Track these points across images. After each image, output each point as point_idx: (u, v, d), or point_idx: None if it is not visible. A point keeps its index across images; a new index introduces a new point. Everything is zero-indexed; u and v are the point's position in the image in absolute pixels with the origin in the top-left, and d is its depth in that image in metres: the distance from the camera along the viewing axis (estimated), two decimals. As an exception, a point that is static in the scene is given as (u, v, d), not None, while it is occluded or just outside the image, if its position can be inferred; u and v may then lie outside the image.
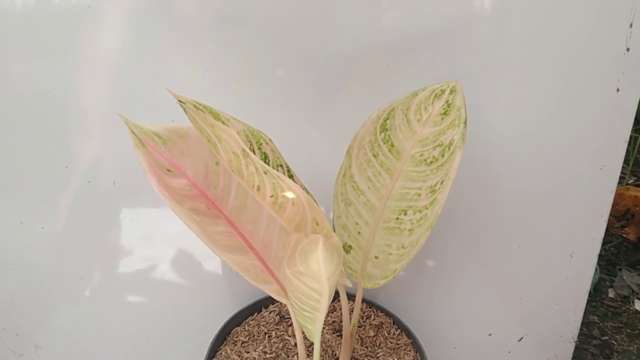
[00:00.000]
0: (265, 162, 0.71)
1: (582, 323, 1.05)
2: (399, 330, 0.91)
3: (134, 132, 0.65)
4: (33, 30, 0.80)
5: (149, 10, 0.80)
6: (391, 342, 0.89)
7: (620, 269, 1.45)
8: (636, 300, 1.37)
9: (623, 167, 0.92)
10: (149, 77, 0.84)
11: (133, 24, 0.81)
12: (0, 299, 0.96)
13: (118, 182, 0.89)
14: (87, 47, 0.82)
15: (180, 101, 0.61)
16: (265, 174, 0.60)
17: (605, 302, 1.37)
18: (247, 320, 0.92)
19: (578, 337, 1.06)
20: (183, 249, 0.96)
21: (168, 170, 0.67)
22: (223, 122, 0.67)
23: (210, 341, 0.86)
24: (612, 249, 1.52)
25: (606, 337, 1.27)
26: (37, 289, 0.96)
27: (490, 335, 1.05)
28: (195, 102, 0.64)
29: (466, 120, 0.69)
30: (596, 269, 1.36)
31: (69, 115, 0.85)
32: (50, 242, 0.92)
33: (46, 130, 0.85)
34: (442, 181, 0.69)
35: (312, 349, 0.72)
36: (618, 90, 0.84)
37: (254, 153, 0.70)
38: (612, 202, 0.93)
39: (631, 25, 0.79)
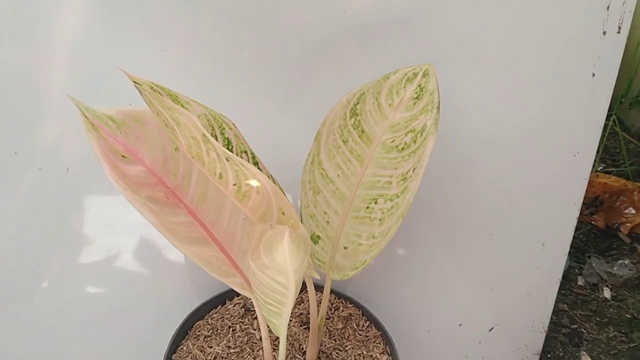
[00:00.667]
0: (228, 148, 0.67)
1: (552, 311, 1.04)
2: (368, 322, 0.88)
3: (85, 116, 0.60)
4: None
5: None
6: (360, 335, 0.86)
7: (589, 257, 1.46)
8: (605, 288, 1.38)
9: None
10: (104, 58, 0.79)
11: (88, 1, 0.76)
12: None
13: (71, 168, 0.84)
14: (40, 27, 0.76)
15: (135, 82, 0.56)
16: (228, 160, 0.56)
17: (574, 290, 1.36)
18: (210, 314, 0.88)
19: (548, 326, 1.06)
20: (143, 239, 0.92)
21: (123, 156, 0.62)
22: (182, 105, 0.62)
23: (171, 336, 0.82)
24: (581, 236, 1.52)
25: (575, 326, 1.27)
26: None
27: (460, 325, 1.04)
28: (152, 83, 0.59)
29: (439, 105, 0.66)
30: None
31: (18, 98, 0.79)
32: (0, 232, 0.87)
33: (-6, 113, 0.80)
34: (414, 168, 0.66)
35: (279, 343, 0.69)
36: (594, 75, 0.82)
37: (216, 138, 0.66)
38: (585, 190, 0.91)
39: (608, 8, 0.77)
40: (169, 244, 0.90)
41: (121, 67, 0.58)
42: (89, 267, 0.93)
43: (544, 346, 1.09)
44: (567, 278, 1.39)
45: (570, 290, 1.36)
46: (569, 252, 1.17)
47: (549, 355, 1.19)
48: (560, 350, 1.21)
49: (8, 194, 0.85)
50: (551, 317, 1.05)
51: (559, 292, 1.15)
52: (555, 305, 1.03)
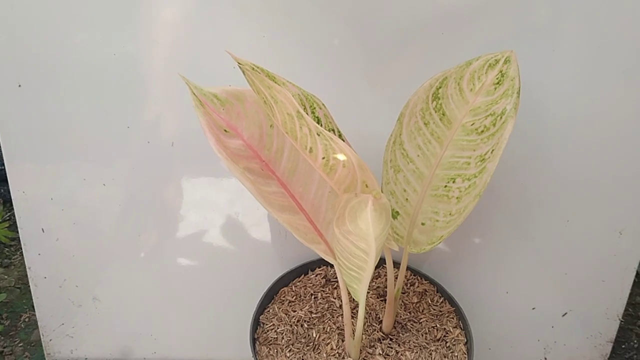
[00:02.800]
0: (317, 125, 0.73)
1: (629, 304, 1.04)
2: (442, 298, 0.92)
3: (194, 93, 0.68)
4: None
5: (210, -23, 0.83)
6: (434, 309, 0.90)
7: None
8: (687, 284, 1.35)
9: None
10: (208, 42, 0.86)
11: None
12: (62, 252, 1.01)
13: (176, 143, 0.92)
14: (150, 13, 0.85)
15: (239, 63, 0.63)
16: (318, 135, 0.62)
17: (653, 284, 1.35)
18: (294, 282, 0.95)
19: (623, 318, 1.06)
20: (233, 215, 0.99)
21: (225, 130, 0.70)
22: (279, 85, 0.69)
23: (259, 299, 0.89)
24: (665, 231, 1.49)
25: (653, 319, 1.26)
26: (96, 244, 1.01)
27: (534, 309, 1.06)
28: (254, 65, 0.66)
29: (519, 90, 0.69)
30: (646, 251, 1.34)
31: (132, 77, 0.88)
32: (110, 200, 0.97)
33: (110, 91, 0.89)
34: (493, 150, 0.70)
35: (357, 310, 0.75)
36: (678, 64, 0.82)
37: (308, 116, 0.72)
38: (665, 180, 0.91)
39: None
40: (256, 222, 0.99)
41: (225, 50, 0.65)
42: (183, 240, 1.02)
43: (618, 337, 1.09)
44: (647, 272, 1.37)
45: (649, 284, 1.34)
46: (651, 245, 1.15)
47: (623, 346, 1.19)
48: (636, 342, 1.20)
49: (120, 164, 0.94)
50: (628, 310, 1.05)
51: (637, 285, 1.14)
52: (632, 298, 1.03)
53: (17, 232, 1.00)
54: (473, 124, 0.73)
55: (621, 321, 1.06)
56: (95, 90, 0.89)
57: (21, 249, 1.01)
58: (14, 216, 1.07)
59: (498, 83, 0.71)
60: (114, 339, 1.09)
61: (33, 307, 1.06)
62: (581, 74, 0.85)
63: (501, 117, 0.70)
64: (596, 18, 0.82)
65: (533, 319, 1.07)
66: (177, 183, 0.97)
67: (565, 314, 1.06)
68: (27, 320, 1.27)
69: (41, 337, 1.08)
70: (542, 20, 0.83)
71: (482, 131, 0.72)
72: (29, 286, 1.04)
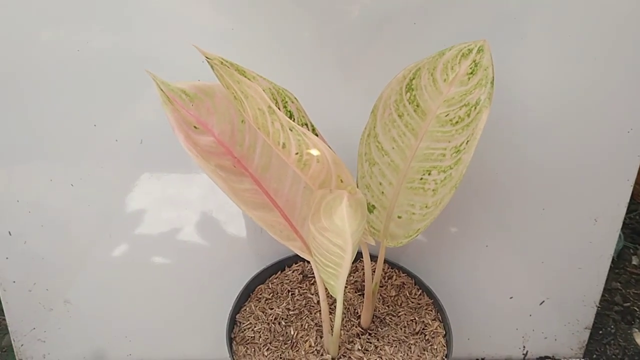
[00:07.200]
0: (290, 120, 0.71)
1: (605, 289, 1.05)
2: (420, 291, 0.92)
3: (161, 89, 0.66)
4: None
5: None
6: (413, 302, 0.90)
7: (644, 237, 1.44)
8: (660, 268, 1.37)
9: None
10: (176, 36, 0.84)
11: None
12: (30, 255, 0.99)
13: (145, 141, 0.90)
14: (115, 7, 0.82)
15: (207, 57, 0.61)
16: (291, 130, 0.60)
17: (628, 269, 1.36)
18: (270, 279, 0.94)
19: (600, 303, 1.07)
20: (207, 212, 0.97)
21: (195, 127, 0.68)
22: (249, 79, 0.67)
23: (235, 297, 0.88)
24: (637, 217, 1.51)
25: (628, 304, 1.27)
26: (66, 246, 0.99)
27: (511, 298, 1.06)
28: (222, 58, 0.64)
29: (493, 79, 0.68)
30: (620, 236, 1.35)
31: (98, 74, 0.86)
32: (79, 200, 0.94)
33: (75, 89, 0.86)
34: (468, 141, 0.69)
35: (335, 306, 0.73)
36: (649, 51, 0.83)
37: (280, 111, 0.71)
38: (638, 166, 0.92)
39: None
40: (231, 218, 0.98)
41: (192, 44, 0.63)
42: (156, 239, 1.00)
43: (595, 322, 1.10)
44: (622, 257, 1.38)
45: (624, 270, 1.35)
46: (624, 233, 1.17)
47: (600, 332, 1.20)
48: (612, 327, 1.21)
49: (88, 163, 0.92)
50: (604, 295, 1.06)
51: (612, 271, 1.15)
52: (608, 283, 1.04)
53: (-17, 236, 0.97)
54: (447, 114, 0.72)
55: (598, 307, 1.07)
56: (60, 88, 0.86)
57: (-12, 253, 0.98)
58: (-21, 219, 1.03)
59: (472, 73, 0.71)
60: (87, 342, 1.07)
61: (3, 311, 1.03)
62: (553, 61, 0.85)
63: (475, 108, 0.69)
64: (566, 5, 0.81)
65: (511, 308, 1.07)
66: (148, 181, 0.94)
67: (543, 302, 1.06)
68: (-3, 325, 1.24)
69: (12, 342, 1.05)
70: (512, 9, 0.82)
71: (457, 122, 0.71)
72: (-2, 291, 1.01)
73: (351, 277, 0.94)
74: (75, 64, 0.84)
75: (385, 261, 0.95)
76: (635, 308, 1.26)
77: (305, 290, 0.91)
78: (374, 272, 0.84)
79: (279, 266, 0.95)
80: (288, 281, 0.93)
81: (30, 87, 0.86)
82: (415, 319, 0.87)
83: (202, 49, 0.61)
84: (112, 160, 0.92)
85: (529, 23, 0.83)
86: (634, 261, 1.38)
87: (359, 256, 0.96)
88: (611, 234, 0.98)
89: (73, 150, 0.90)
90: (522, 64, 0.85)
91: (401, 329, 0.85)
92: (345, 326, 0.85)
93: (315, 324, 0.85)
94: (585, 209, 0.97)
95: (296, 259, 0.96)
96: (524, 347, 1.11)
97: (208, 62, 0.61)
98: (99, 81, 0.86)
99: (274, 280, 0.93)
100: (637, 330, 1.21)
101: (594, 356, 1.15)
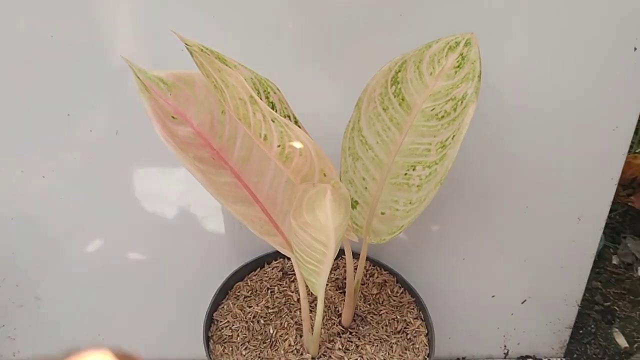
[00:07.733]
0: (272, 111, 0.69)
1: (585, 289, 1.05)
2: (402, 289, 0.90)
3: (138, 77, 0.63)
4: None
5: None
6: (394, 300, 0.88)
7: (624, 237, 1.45)
8: (639, 268, 1.37)
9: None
10: (154, 23, 0.81)
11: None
12: (0, 250, 0.95)
13: (121, 132, 0.87)
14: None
15: (186, 44, 0.59)
16: (273, 122, 0.58)
17: (608, 268, 1.36)
18: (249, 276, 0.91)
19: (581, 303, 1.06)
20: (184, 206, 0.95)
21: (173, 117, 0.65)
22: (230, 68, 0.64)
23: (213, 295, 0.85)
24: (617, 217, 1.51)
25: (609, 303, 1.27)
26: (37, 239, 0.96)
27: (493, 296, 1.05)
28: (202, 46, 0.61)
29: (480, 74, 0.67)
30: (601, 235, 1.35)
31: (72, 61, 0.82)
32: (51, 193, 0.91)
33: (47, 77, 0.83)
34: (454, 136, 0.67)
35: (315, 304, 0.71)
36: (635, 49, 0.82)
37: (262, 101, 0.68)
38: (622, 165, 0.91)
39: (654, -20, 0.77)
40: (210, 214, 0.95)
41: (170, 30, 0.61)
42: (131, 234, 0.97)
43: (576, 322, 1.09)
44: (602, 257, 1.38)
45: (604, 269, 1.36)
46: (605, 232, 1.16)
47: (581, 331, 1.19)
48: (593, 326, 1.21)
49: (60, 155, 0.88)
50: (584, 294, 1.06)
51: (593, 270, 1.15)
52: (589, 283, 1.04)
53: (-50, 229, 0.93)
54: (433, 109, 0.71)
55: (579, 306, 1.06)
56: (31, 75, 0.82)
57: (-45, 247, 0.94)
58: (-53, 212, 0.99)
59: (459, 66, 0.69)
60: (59, 339, 1.04)
61: (-30, 308, 0.99)
62: (538, 57, 0.84)
63: (462, 102, 0.67)
64: (552, 2, 0.80)
65: (493, 306, 1.06)
66: (123, 174, 0.91)
67: (525, 301, 1.05)
68: (-35, 321, 1.20)
69: (-20, 340, 1.02)
70: (502, 2, 0.81)
71: (443, 116, 0.70)
72: (-35, 286, 0.97)
73: (332, 275, 0.92)
74: (49, 51, 0.81)
75: (367, 258, 0.93)
76: (616, 307, 1.26)
77: (285, 288, 0.89)
78: (356, 269, 0.82)
79: (259, 263, 0.93)
80: (268, 278, 0.91)
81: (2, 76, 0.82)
82: (397, 317, 0.85)
83: (180, 35, 0.58)
84: (86, 152, 0.88)
85: (516, 18, 0.81)
86: (614, 261, 1.38)
87: (340, 253, 0.94)
88: (594, 233, 0.97)
89: (45, 141, 0.87)
90: (507, 60, 0.84)
91: (382, 327, 0.83)
92: (326, 324, 0.83)
93: (295, 322, 0.83)
94: (569, 208, 0.96)
95: (276, 255, 0.93)
96: (505, 346, 1.10)
97: (187, 48, 0.58)
98: (73, 69, 0.82)
99: (253, 278, 0.91)
100: (617, 329, 1.21)
101: (575, 356, 1.15)
